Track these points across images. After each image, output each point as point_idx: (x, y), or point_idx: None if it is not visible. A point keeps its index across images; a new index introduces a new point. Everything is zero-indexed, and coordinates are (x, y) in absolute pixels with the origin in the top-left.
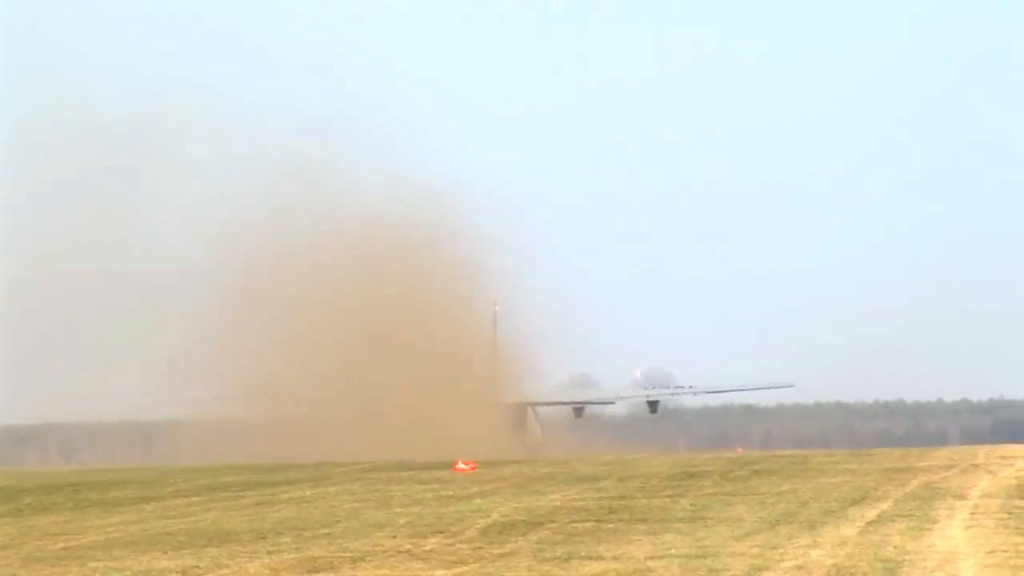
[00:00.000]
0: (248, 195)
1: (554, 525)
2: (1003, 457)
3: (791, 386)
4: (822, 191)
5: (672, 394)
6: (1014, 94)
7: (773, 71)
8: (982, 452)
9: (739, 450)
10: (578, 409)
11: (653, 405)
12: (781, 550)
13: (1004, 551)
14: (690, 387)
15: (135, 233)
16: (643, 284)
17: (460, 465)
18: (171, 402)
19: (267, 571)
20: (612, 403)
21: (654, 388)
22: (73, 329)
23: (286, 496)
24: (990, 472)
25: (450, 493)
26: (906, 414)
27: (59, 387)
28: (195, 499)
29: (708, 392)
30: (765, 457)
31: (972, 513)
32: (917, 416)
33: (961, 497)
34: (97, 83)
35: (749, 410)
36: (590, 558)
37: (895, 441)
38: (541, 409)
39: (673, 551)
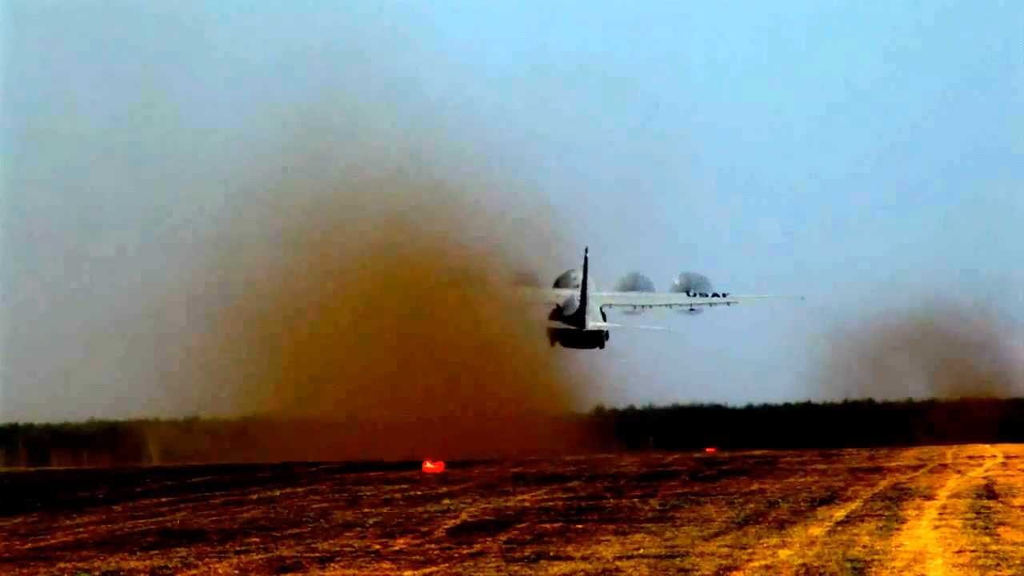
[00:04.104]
0: (247, 191)
1: (523, 525)
2: (971, 457)
3: (802, 298)
4: (817, 190)
5: (711, 303)
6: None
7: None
8: (950, 452)
9: (708, 450)
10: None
11: (693, 311)
12: (750, 550)
13: (972, 551)
14: (724, 295)
15: (112, 236)
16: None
17: (428, 465)
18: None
19: (236, 571)
20: (666, 330)
21: (695, 295)
22: (40, 330)
23: (255, 496)
24: (958, 472)
25: (419, 493)
26: (875, 414)
27: (27, 388)
28: (164, 499)
29: (735, 301)
30: (734, 457)
31: (940, 513)
32: (886, 416)
33: (929, 497)
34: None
35: (719, 410)
36: (559, 558)
37: (864, 441)
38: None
39: (642, 551)
